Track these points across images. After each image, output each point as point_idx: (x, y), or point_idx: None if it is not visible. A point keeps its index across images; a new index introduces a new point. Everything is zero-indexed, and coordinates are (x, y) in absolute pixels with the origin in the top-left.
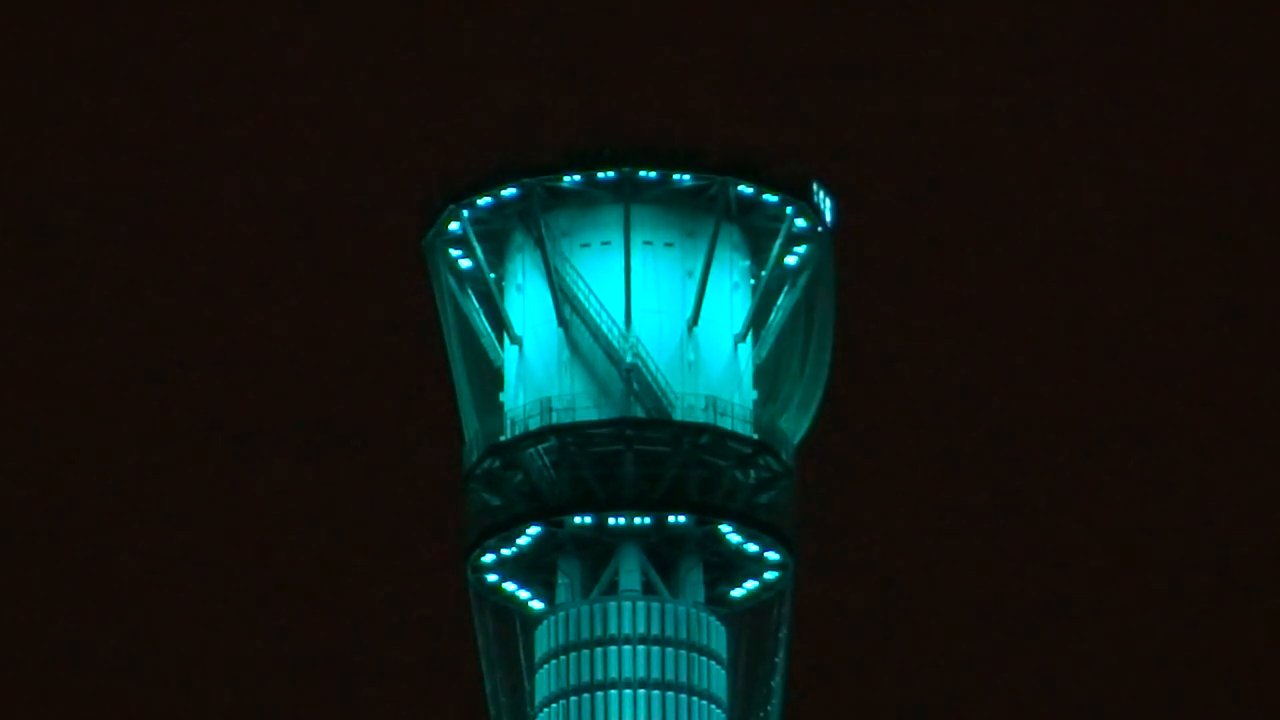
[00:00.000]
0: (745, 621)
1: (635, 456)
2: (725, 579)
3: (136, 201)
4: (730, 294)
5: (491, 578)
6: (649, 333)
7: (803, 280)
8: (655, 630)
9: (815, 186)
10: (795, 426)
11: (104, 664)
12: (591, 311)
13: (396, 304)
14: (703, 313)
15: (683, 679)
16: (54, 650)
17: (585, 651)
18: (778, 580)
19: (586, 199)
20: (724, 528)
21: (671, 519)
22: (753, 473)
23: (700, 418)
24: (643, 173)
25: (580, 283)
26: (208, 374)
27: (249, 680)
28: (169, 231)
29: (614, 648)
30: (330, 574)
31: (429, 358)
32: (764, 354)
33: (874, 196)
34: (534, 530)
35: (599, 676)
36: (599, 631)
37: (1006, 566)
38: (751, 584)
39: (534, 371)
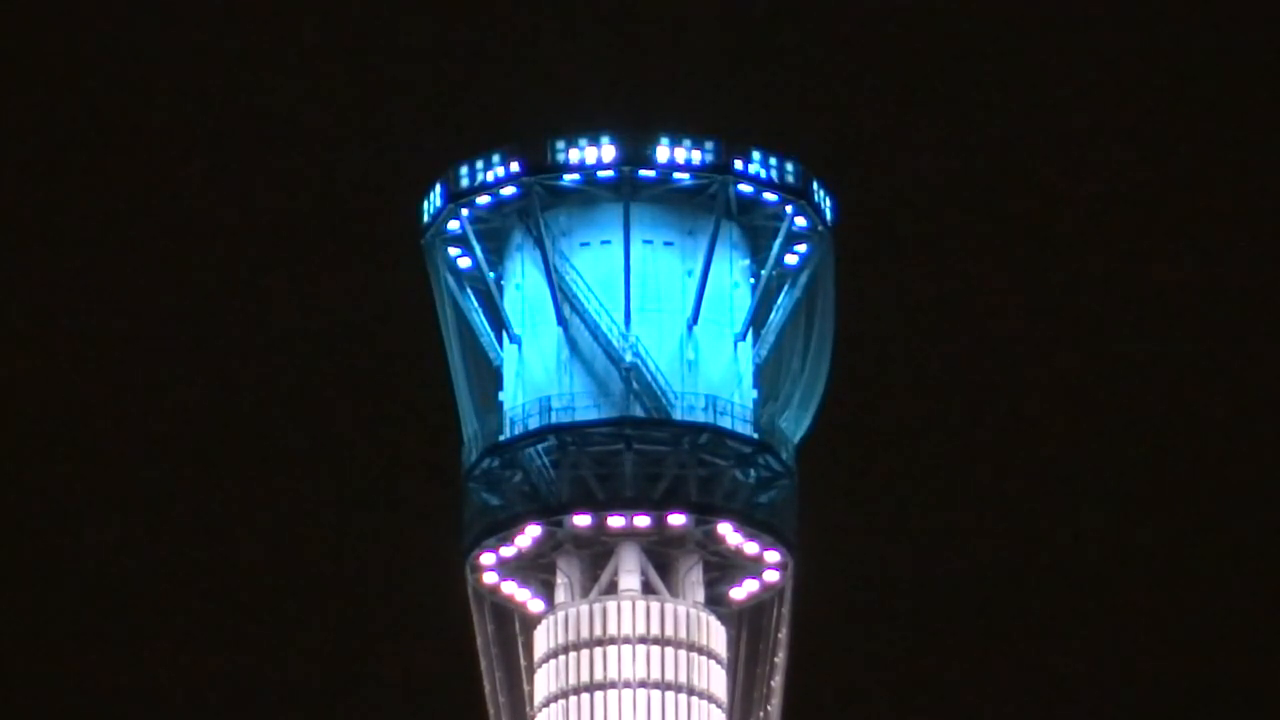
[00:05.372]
0: (745, 621)
1: (635, 456)
2: (725, 579)
3: (133, 203)
4: (730, 293)
5: (491, 578)
6: (649, 332)
7: (803, 280)
8: (655, 630)
9: (815, 185)
10: (795, 426)
11: (98, 665)
12: (591, 311)
13: (395, 303)
14: (703, 312)
15: (683, 679)
16: (54, 649)
17: (585, 651)
18: (777, 580)
19: (586, 198)
20: (724, 527)
21: (671, 519)
22: (753, 472)
23: (700, 417)
24: (642, 172)
25: (580, 282)
26: (206, 373)
27: (248, 680)
28: (164, 232)
29: (614, 648)
30: (329, 573)
31: (429, 357)
32: (764, 353)
33: (874, 196)
34: (534, 530)
35: (599, 676)
36: (599, 631)
37: (1007, 566)
38: (751, 584)
39: (533, 371)
